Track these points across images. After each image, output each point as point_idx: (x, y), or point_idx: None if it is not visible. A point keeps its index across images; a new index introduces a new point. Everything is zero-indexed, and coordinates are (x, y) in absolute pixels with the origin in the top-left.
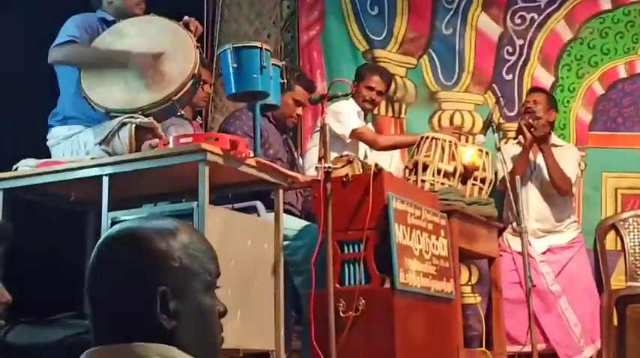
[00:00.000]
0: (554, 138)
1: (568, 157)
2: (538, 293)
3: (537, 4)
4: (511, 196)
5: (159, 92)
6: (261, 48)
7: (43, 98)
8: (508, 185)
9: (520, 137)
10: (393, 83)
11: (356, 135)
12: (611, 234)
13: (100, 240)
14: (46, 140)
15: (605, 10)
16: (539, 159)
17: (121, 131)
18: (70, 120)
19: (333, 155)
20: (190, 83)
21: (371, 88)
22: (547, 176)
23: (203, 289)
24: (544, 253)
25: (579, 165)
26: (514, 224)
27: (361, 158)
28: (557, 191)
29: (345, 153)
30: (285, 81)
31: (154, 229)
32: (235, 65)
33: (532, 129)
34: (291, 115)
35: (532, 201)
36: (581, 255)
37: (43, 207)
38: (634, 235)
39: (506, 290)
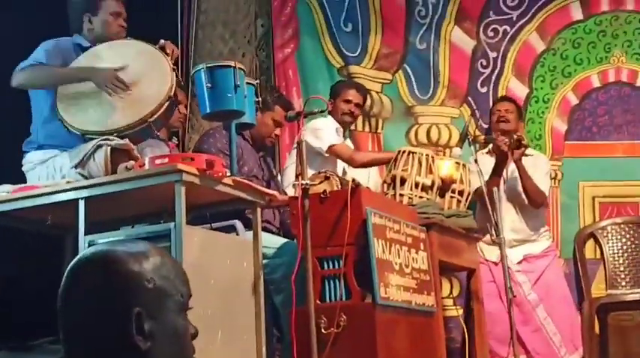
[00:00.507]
0: None
1: (540, 167)
2: (515, 303)
3: (509, 16)
4: (489, 208)
5: (135, 114)
6: (234, 67)
7: (17, 124)
8: (486, 197)
9: (491, 146)
10: (369, 99)
11: (333, 151)
12: (590, 243)
13: (72, 264)
14: (22, 166)
15: (576, 21)
16: (512, 171)
17: (96, 153)
18: (45, 145)
19: (312, 171)
20: (167, 105)
21: (348, 101)
22: (520, 188)
23: (176, 310)
24: (520, 262)
25: (554, 174)
26: (492, 234)
27: (340, 174)
28: (531, 205)
29: (322, 169)
30: (260, 99)
31: (126, 252)
32: (209, 85)
33: (520, 146)
34: (270, 135)
35: (506, 211)
36: (556, 263)
37: (20, 232)
38: (613, 243)
39: (485, 303)
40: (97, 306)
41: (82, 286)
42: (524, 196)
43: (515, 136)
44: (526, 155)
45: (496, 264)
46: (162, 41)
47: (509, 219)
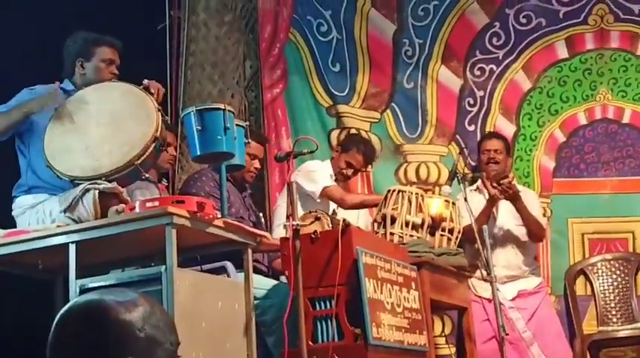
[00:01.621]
0: None
1: (531, 201)
2: (510, 341)
3: (495, 55)
4: (479, 246)
5: (121, 157)
6: (224, 109)
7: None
8: (476, 234)
9: (479, 183)
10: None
11: (325, 194)
12: (581, 279)
13: (61, 313)
14: (12, 211)
15: (562, 59)
16: (501, 207)
17: (84, 198)
18: (35, 189)
19: (303, 211)
20: (153, 147)
21: (350, 164)
22: (511, 225)
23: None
24: (513, 299)
25: (543, 211)
26: (482, 272)
27: (330, 213)
28: (533, 239)
29: (313, 209)
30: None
31: (116, 301)
32: (199, 127)
33: (503, 193)
34: (249, 170)
35: (501, 249)
36: (548, 300)
37: (11, 277)
38: (603, 279)
39: (482, 345)
40: (89, 355)
41: (73, 336)
42: (519, 233)
43: (503, 183)
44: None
45: (489, 300)
46: (145, 81)
47: (504, 256)
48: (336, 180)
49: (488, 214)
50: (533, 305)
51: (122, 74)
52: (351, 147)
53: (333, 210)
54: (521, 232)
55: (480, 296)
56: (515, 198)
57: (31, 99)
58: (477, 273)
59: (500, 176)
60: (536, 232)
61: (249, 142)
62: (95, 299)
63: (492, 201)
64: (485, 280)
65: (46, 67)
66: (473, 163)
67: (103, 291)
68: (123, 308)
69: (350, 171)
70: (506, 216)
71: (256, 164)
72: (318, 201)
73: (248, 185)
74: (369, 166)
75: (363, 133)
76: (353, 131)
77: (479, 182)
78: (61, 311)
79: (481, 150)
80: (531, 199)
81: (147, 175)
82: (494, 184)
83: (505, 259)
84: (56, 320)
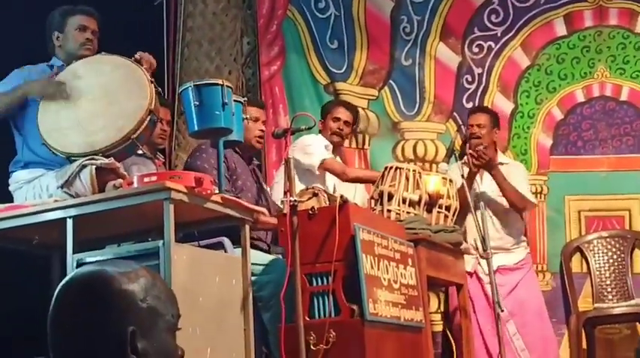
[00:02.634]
0: (500, 157)
1: (516, 174)
2: (485, 315)
3: (494, 32)
4: (476, 223)
5: (117, 132)
6: (222, 85)
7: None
8: (473, 211)
9: (465, 157)
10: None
11: (325, 166)
12: (577, 257)
13: (63, 284)
14: (8, 186)
15: (560, 37)
16: (484, 179)
17: (81, 173)
18: (31, 164)
19: (301, 187)
20: (148, 120)
21: (337, 119)
22: (492, 195)
23: (167, 330)
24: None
25: (540, 189)
26: (479, 247)
27: (330, 190)
28: (514, 209)
29: (311, 185)
30: (246, 117)
31: (118, 272)
32: (197, 103)
33: (475, 160)
34: (255, 135)
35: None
36: (530, 277)
37: (7, 252)
38: (599, 257)
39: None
40: (91, 326)
41: (75, 306)
42: (500, 203)
43: (479, 149)
44: (501, 164)
45: (470, 274)
46: (137, 54)
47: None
48: (333, 150)
49: (469, 185)
50: (513, 281)
51: (118, 50)
52: (329, 107)
53: (334, 186)
54: (502, 203)
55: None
56: (489, 166)
57: (27, 83)
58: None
59: (476, 143)
60: (514, 202)
61: (247, 118)
62: (97, 270)
63: (472, 173)
64: (481, 256)
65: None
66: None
67: (103, 263)
68: (125, 279)
69: (343, 126)
70: (488, 187)
71: (260, 126)
72: (317, 173)
73: (255, 155)
74: (357, 119)
75: (360, 110)
76: None
77: (466, 157)
78: (62, 282)
79: (468, 123)
80: (518, 172)
81: (143, 150)
82: (470, 151)
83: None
84: (57, 291)
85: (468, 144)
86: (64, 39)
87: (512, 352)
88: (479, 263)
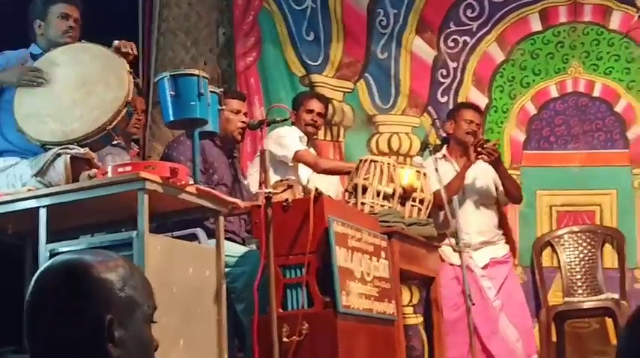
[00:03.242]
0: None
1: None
2: (481, 310)
3: (469, 27)
4: (449, 215)
5: (93, 122)
6: (198, 75)
7: None
8: (445, 204)
9: (444, 151)
10: (330, 107)
11: (298, 157)
12: (548, 251)
13: (40, 272)
14: None
15: (535, 32)
16: (473, 172)
17: (56, 162)
18: (5, 153)
19: (275, 178)
20: (125, 111)
21: (311, 111)
22: (481, 188)
23: (143, 320)
24: (485, 267)
25: None
26: (452, 240)
27: (304, 182)
28: (514, 201)
29: (285, 177)
30: (222, 108)
31: (97, 260)
32: (173, 93)
33: (487, 156)
34: (237, 127)
35: (470, 214)
36: (514, 271)
37: None
38: (569, 251)
39: (450, 310)
40: (69, 313)
41: (53, 293)
42: (489, 195)
43: (488, 146)
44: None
45: (460, 267)
46: (115, 42)
47: (476, 220)
48: (307, 141)
49: (462, 177)
50: (502, 274)
51: (93, 38)
52: (302, 99)
53: (307, 179)
54: (491, 195)
55: (452, 264)
56: (498, 161)
57: (6, 71)
58: (448, 241)
59: (483, 140)
60: (515, 193)
61: (223, 109)
62: (75, 258)
63: (466, 167)
64: (454, 250)
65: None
66: (445, 135)
67: (82, 251)
68: (104, 267)
69: (316, 117)
70: (477, 180)
71: (242, 118)
72: (291, 164)
73: (237, 146)
74: (328, 109)
75: (336, 103)
76: None
77: (444, 150)
78: (41, 269)
79: (461, 118)
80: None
81: (119, 141)
82: (479, 148)
83: (477, 224)
84: (35, 278)
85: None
86: (45, 27)
87: (504, 343)
88: (470, 256)
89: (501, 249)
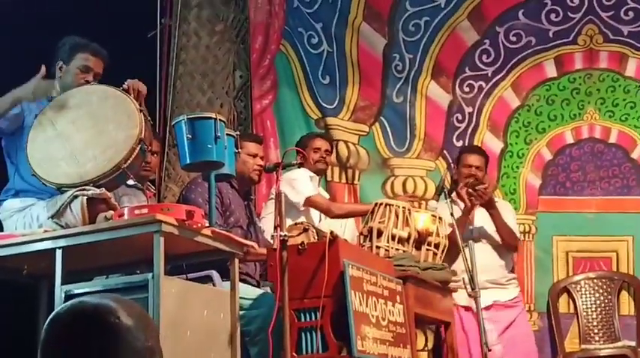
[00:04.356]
0: None
1: (507, 212)
2: (479, 350)
3: (485, 72)
4: (465, 262)
5: (107, 162)
6: (215, 118)
7: None
8: (462, 250)
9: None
10: (346, 150)
11: (310, 203)
12: (564, 297)
13: (56, 318)
14: None
15: (550, 78)
16: (480, 215)
17: (72, 204)
18: (22, 193)
19: (288, 220)
20: (138, 149)
21: (317, 149)
22: (490, 230)
23: None
24: (488, 309)
25: (528, 228)
26: (467, 288)
27: (315, 223)
28: (508, 248)
29: (299, 220)
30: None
31: (120, 306)
32: (190, 136)
33: (476, 199)
34: (253, 169)
35: (476, 254)
36: (523, 317)
37: None
38: (586, 298)
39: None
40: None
41: (76, 338)
42: (496, 237)
43: (479, 188)
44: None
45: (466, 309)
46: (126, 83)
47: (481, 259)
48: (320, 180)
49: (464, 222)
50: (508, 319)
51: (111, 80)
52: (305, 141)
53: (320, 217)
54: (497, 237)
55: (455, 304)
56: (490, 205)
57: (19, 88)
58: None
59: (476, 183)
60: (508, 240)
61: (239, 152)
62: (98, 302)
63: (468, 210)
64: (469, 295)
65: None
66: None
67: (101, 295)
68: (128, 313)
69: (324, 154)
70: (484, 221)
71: (258, 161)
72: (302, 209)
73: (253, 188)
74: (333, 146)
75: (351, 146)
76: None
77: (454, 194)
78: (58, 311)
79: (462, 163)
80: (507, 211)
81: (134, 181)
82: (469, 190)
83: (482, 263)
84: (52, 323)
85: (461, 183)
86: (65, 72)
87: None
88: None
89: (508, 293)
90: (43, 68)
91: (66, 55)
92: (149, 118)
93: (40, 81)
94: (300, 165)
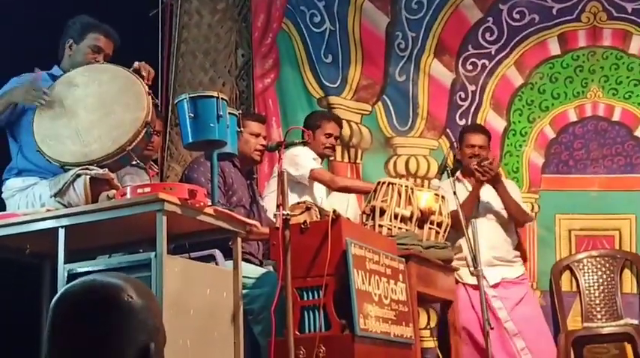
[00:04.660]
0: None
1: (512, 189)
2: (493, 333)
3: (488, 50)
4: (467, 239)
5: (113, 143)
6: (217, 97)
7: None
8: (464, 228)
9: (458, 174)
10: (349, 129)
11: (315, 175)
12: (567, 275)
13: (64, 297)
14: (1, 193)
15: (554, 56)
16: (486, 192)
17: (76, 183)
18: (25, 172)
19: (291, 199)
20: (144, 132)
21: (329, 135)
22: (496, 207)
23: (164, 342)
24: (496, 286)
25: (531, 207)
26: (468, 259)
27: (318, 202)
28: (516, 224)
29: (302, 199)
30: (241, 129)
31: (129, 285)
32: (192, 115)
33: (482, 176)
34: (255, 149)
35: (482, 230)
36: (531, 294)
37: None
38: (589, 276)
39: (467, 333)
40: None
41: (85, 316)
42: (503, 213)
43: (485, 164)
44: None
45: (474, 287)
46: (136, 63)
47: (487, 235)
48: (321, 162)
49: (473, 201)
50: (517, 295)
51: (113, 59)
52: (319, 121)
53: (321, 199)
54: (504, 214)
55: (463, 283)
56: (496, 181)
57: (12, 89)
58: (465, 262)
59: (480, 160)
60: (517, 216)
61: (241, 131)
62: (101, 281)
63: (477, 188)
64: (472, 274)
65: (36, 55)
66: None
67: (106, 274)
68: (138, 292)
69: (332, 141)
70: (489, 197)
71: (261, 141)
72: (307, 184)
73: (255, 167)
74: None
75: (353, 125)
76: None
77: (458, 172)
78: (65, 289)
79: (465, 143)
80: (512, 188)
81: (137, 161)
82: (476, 166)
83: (488, 238)
84: (59, 302)
85: (463, 162)
86: (76, 51)
87: None
88: (483, 276)
89: (515, 270)
90: (38, 73)
91: (77, 34)
92: (157, 101)
93: (32, 87)
94: (305, 144)
